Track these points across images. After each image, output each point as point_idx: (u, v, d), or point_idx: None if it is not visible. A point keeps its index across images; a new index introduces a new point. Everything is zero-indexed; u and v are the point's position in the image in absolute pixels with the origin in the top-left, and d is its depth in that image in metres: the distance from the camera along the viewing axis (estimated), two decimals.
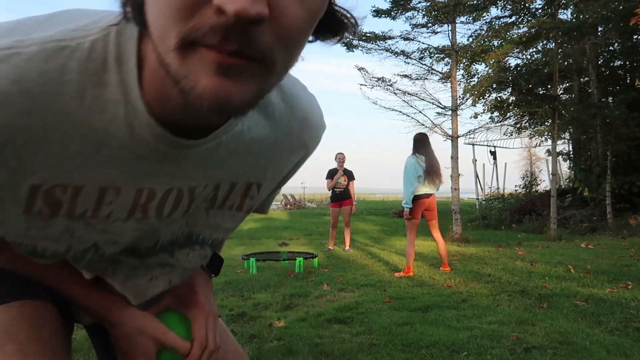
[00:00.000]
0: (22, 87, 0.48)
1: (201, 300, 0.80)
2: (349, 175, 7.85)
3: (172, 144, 0.56)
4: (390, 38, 10.15)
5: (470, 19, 10.22)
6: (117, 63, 0.50)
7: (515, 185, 16.69)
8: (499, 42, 11.21)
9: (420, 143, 5.54)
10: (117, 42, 0.51)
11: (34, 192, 0.54)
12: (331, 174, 7.87)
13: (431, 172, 5.44)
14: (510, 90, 11.79)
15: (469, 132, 11.59)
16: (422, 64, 10.65)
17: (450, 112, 10.05)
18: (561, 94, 13.66)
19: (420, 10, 9.89)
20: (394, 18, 10.21)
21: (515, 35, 10.43)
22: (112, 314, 0.71)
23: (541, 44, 11.82)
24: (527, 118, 13.05)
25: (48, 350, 0.65)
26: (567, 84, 14.50)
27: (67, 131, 0.51)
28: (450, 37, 9.99)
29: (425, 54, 10.62)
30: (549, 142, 13.78)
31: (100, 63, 0.50)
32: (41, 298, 0.69)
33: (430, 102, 10.33)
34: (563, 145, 16.82)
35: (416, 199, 5.44)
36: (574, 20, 11.05)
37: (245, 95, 0.43)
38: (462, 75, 11.68)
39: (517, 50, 11.17)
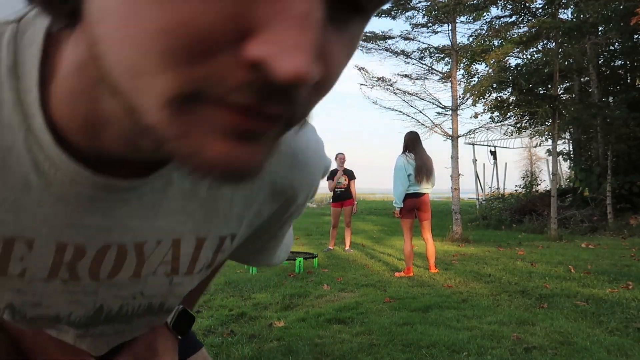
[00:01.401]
0: None
1: None
2: (350, 175, 7.85)
3: (97, 186, 0.42)
4: (390, 38, 10.14)
5: (470, 18, 10.22)
6: (12, 77, 0.38)
7: (516, 185, 16.69)
8: (499, 41, 11.20)
9: (411, 142, 5.48)
10: (13, 46, 0.38)
11: None
12: (332, 175, 7.87)
13: (421, 170, 5.37)
14: (510, 90, 11.77)
15: (469, 132, 11.60)
16: (422, 64, 10.65)
17: (450, 112, 10.04)
18: (561, 93, 13.65)
19: (421, 10, 9.89)
20: (394, 18, 10.21)
21: (515, 35, 10.42)
22: None
23: (541, 43, 11.80)
24: (527, 118, 13.05)
25: None
26: (568, 84, 14.49)
27: None
28: (451, 37, 9.98)
29: (425, 54, 10.62)
30: (549, 142, 13.76)
31: None
32: None
33: (430, 102, 10.33)
34: (563, 145, 16.82)
35: (405, 198, 5.40)
36: (574, 20, 11.04)
37: (262, 159, 0.33)
38: (462, 75, 11.67)
39: (518, 50, 11.15)
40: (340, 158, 7.88)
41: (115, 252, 0.48)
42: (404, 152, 5.49)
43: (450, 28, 9.98)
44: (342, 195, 7.83)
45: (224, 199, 0.52)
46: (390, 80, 10.30)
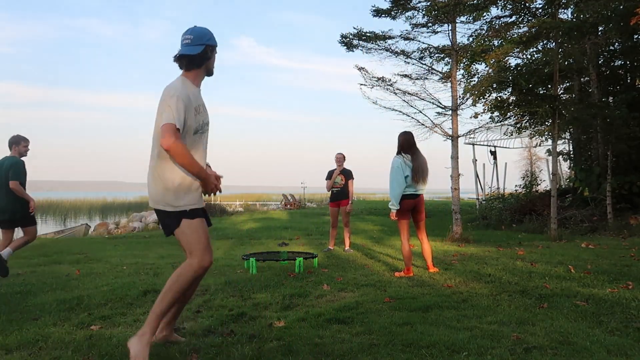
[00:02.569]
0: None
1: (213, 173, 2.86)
2: (347, 175, 7.86)
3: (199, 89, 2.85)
4: (390, 38, 10.13)
5: (470, 18, 10.20)
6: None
7: (516, 185, 16.69)
8: (499, 41, 11.19)
9: (407, 142, 5.41)
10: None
11: (196, 110, 2.68)
12: (330, 175, 7.89)
13: (418, 171, 5.32)
14: (510, 90, 11.76)
15: (469, 132, 11.54)
16: (422, 64, 10.62)
17: (450, 112, 10.03)
18: (561, 93, 13.64)
19: (421, 10, 9.87)
20: (394, 18, 10.19)
21: (515, 35, 10.41)
22: (206, 173, 2.68)
23: (541, 43, 11.80)
24: (527, 118, 13.03)
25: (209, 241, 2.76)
26: (568, 84, 14.48)
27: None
28: (451, 37, 9.97)
29: (425, 54, 10.59)
30: (549, 142, 13.77)
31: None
32: (203, 217, 2.77)
33: (430, 102, 10.31)
34: (563, 145, 16.82)
35: (403, 199, 5.33)
36: (574, 19, 11.02)
37: None
38: (462, 75, 11.65)
39: (517, 50, 11.16)
40: (338, 158, 7.90)
41: (203, 107, 2.81)
42: (399, 152, 5.43)
43: (450, 28, 9.97)
44: (339, 195, 7.86)
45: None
46: (390, 80, 10.28)
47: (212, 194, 2.80)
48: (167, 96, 2.61)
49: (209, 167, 2.93)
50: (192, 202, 2.67)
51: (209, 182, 2.70)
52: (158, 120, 2.61)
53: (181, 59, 2.75)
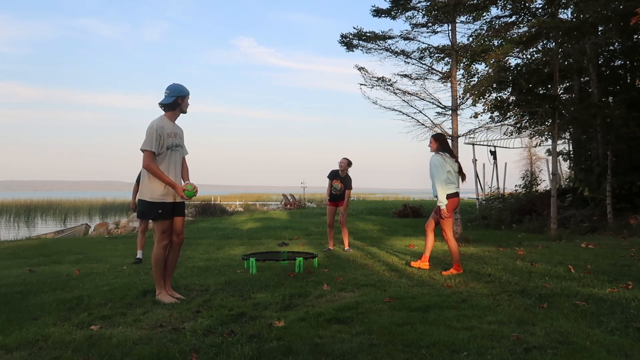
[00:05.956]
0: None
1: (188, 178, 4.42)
2: (347, 184, 7.95)
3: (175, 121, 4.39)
4: (390, 38, 10.12)
5: (470, 18, 10.19)
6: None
7: (515, 185, 16.68)
8: (499, 41, 11.18)
9: (446, 142, 5.78)
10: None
11: (169, 135, 4.14)
12: (332, 176, 7.97)
13: (462, 170, 5.78)
14: (510, 90, 11.75)
15: (469, 132, 11.52)
16: (422, 64, 10.61)
17: (450, 112, 10.02)
18: (561, 93, 13.63)
19: (420, 10, 9.87)
20: (394, 18, 10.18)
21: (515, 35, 10.40)
22: (173, 182, 4.10)
23: (541, 43, 11.78)
24: (527, 118, 13.02)
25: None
26: (567, 84, 14.47)
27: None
28: (450, 37, 9.97)
29: (425, 54, 10.58)
30: (549, 141, 13.76)
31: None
32: (170, 218, 4.19)
33: (430, 102, 10.30)
34: (563, 145, 16.82)
35: (452, 196, 5.58)
36: (574, 19, 11.03)
37: None
38: (462, 75, 11.64)
39: (517, 50, 11.13)
40: (342, 164, 7.96)
41: (179, 132, 4.33)
42: (437, 151, 5.65)
43: (450, 28, 9.96)
44: (338, 197, 8.04)
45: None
46: (390, 80, 10.28)
47: (182, 198, 4.15)
48: (148, 128, 4.04)
49: (187, 177, 4.36)
50: (162, 199, 4.10)
51: (176, 188, 4.08)
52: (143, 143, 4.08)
53: (162, 105, 4.20)
